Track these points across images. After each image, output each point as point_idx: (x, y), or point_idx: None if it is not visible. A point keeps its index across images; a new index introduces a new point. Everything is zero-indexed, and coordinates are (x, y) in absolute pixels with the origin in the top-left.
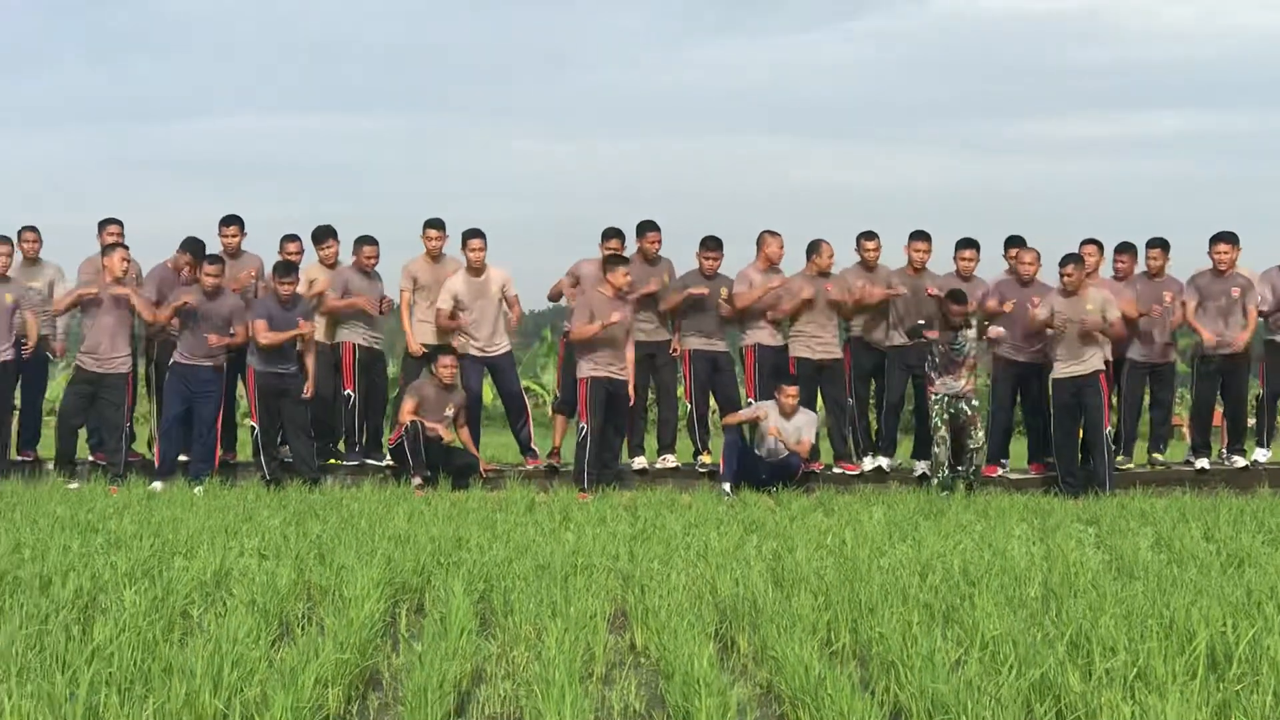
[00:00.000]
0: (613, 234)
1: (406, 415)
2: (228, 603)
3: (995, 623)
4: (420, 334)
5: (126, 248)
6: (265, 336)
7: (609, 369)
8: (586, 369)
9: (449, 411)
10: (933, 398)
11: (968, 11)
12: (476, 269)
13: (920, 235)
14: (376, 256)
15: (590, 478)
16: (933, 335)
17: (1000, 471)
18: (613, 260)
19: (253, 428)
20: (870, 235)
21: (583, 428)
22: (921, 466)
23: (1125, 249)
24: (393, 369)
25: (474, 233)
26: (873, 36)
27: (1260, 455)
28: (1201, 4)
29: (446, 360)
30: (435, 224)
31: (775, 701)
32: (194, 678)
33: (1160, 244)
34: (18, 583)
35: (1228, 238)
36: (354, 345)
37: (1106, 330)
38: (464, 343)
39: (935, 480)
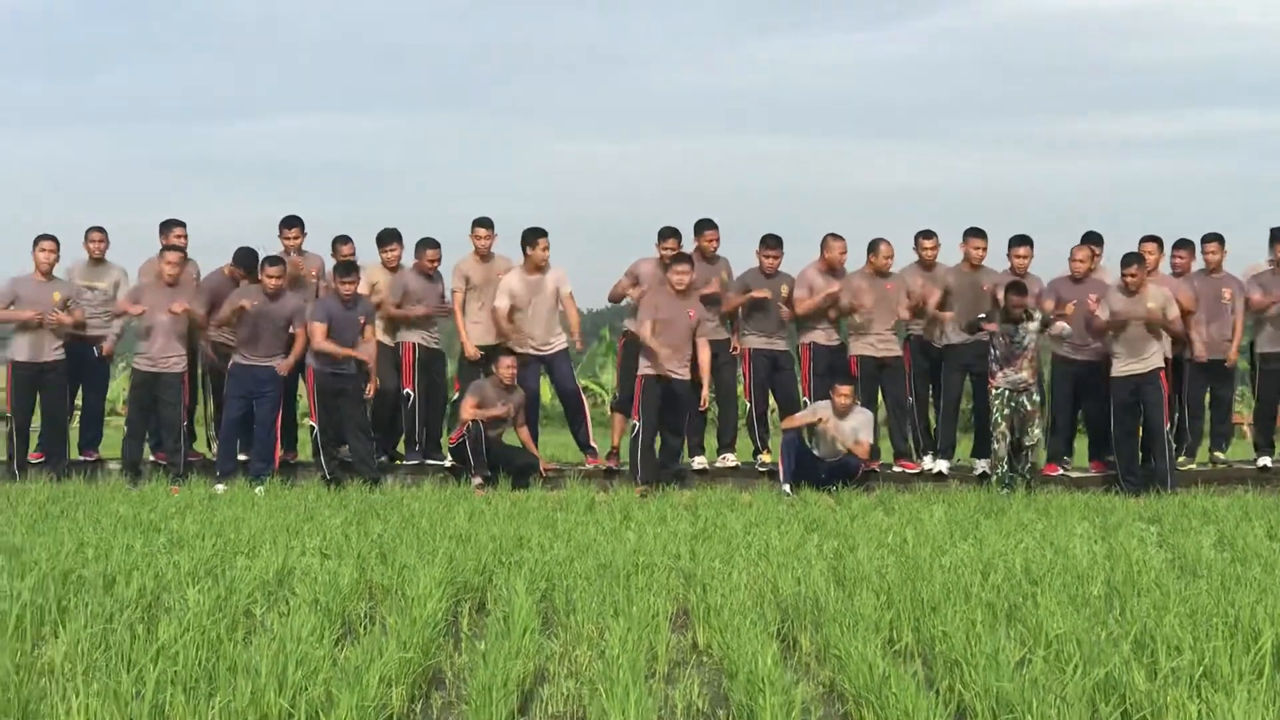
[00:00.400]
0: (669, 234)
1: (468, 415)
2: (290, 602)
3: (1059, 621)
4: (474, 335)
5: (180, 250)
6: (321, 344)
7: (667, 368)
8: (644, 367)
9: (509, 412)
10: (994, 391)
11: (1030, 9)
12: (539, 266)
13: (976, 232)
14: (439, 259)
15: (645, 474)
16: (991, 328)
17: (1061, 470)
18: (676, 259)
19: (312, 427)
20: (929, 234)
21: (635, 425)
22: (981, 465)
23: (1183, 245)
24: (451, 368)
25: (482, 221)
26: (936, 35)
27: None
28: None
29: (506, 361)
30: (484, 223)
31: (838, 700)
32: (259, 676)
33: (1216, 239)
34: (82, 582)
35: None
36: (414, 345)
37: (1167, 326)
38: (520, 342)
39: (995, 476)
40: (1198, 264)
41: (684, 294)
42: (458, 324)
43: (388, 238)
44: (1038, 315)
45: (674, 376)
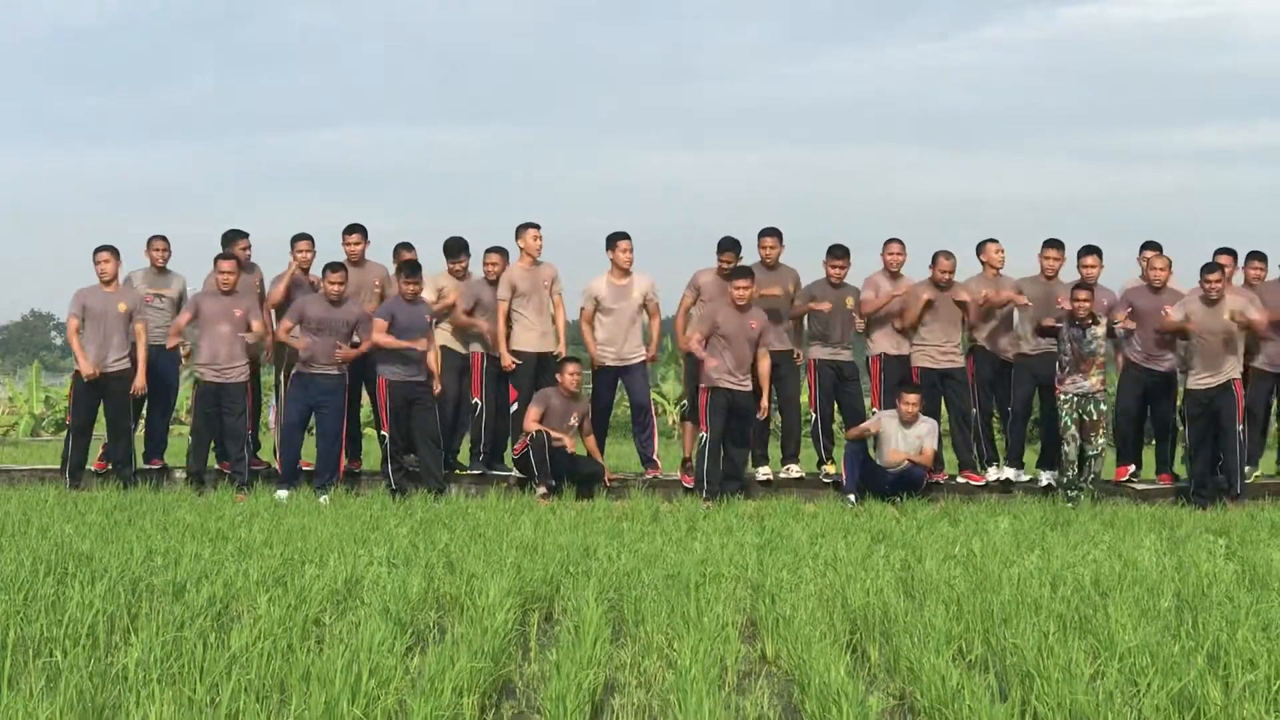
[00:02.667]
0: (728, 245)
1: (531, 425)
2: (360, 611)
3: (1131, 634)
4: (524, 341)
5: (235, 258)
6: (381, 339)
7: (730, 380)
8: (708, 379)
9: (573, 420)
10: (1061, 397)
11: (1096, 20)
12: (623, 269)
13: (1053, 243)
14: (504, 265)
15: (711, 488)
16: (1056, 324)
17: (1132, 471)
18: (736, 272)
19: (383, 437)
20: (992, 240)
21: (703, 437)
22: (1047, 477)
23: (1256, 256)
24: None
25: (532, 224)
26: (999, 46)
27: None
28: None
29: (571, 368)
30: (534, 225)
31: (910, 712)
32: (332, 685)
33: (1256, 255)
34: (152, 589)
35: None
36: (484, 355)
37: (1252, 325)
38: (599, 352)
39: (1064, 480)
40: (1273, 275)
41: (745, 307)
42: (498, 334)
43: (457, 249)
44: (1104, 320)
45: (737, 389)
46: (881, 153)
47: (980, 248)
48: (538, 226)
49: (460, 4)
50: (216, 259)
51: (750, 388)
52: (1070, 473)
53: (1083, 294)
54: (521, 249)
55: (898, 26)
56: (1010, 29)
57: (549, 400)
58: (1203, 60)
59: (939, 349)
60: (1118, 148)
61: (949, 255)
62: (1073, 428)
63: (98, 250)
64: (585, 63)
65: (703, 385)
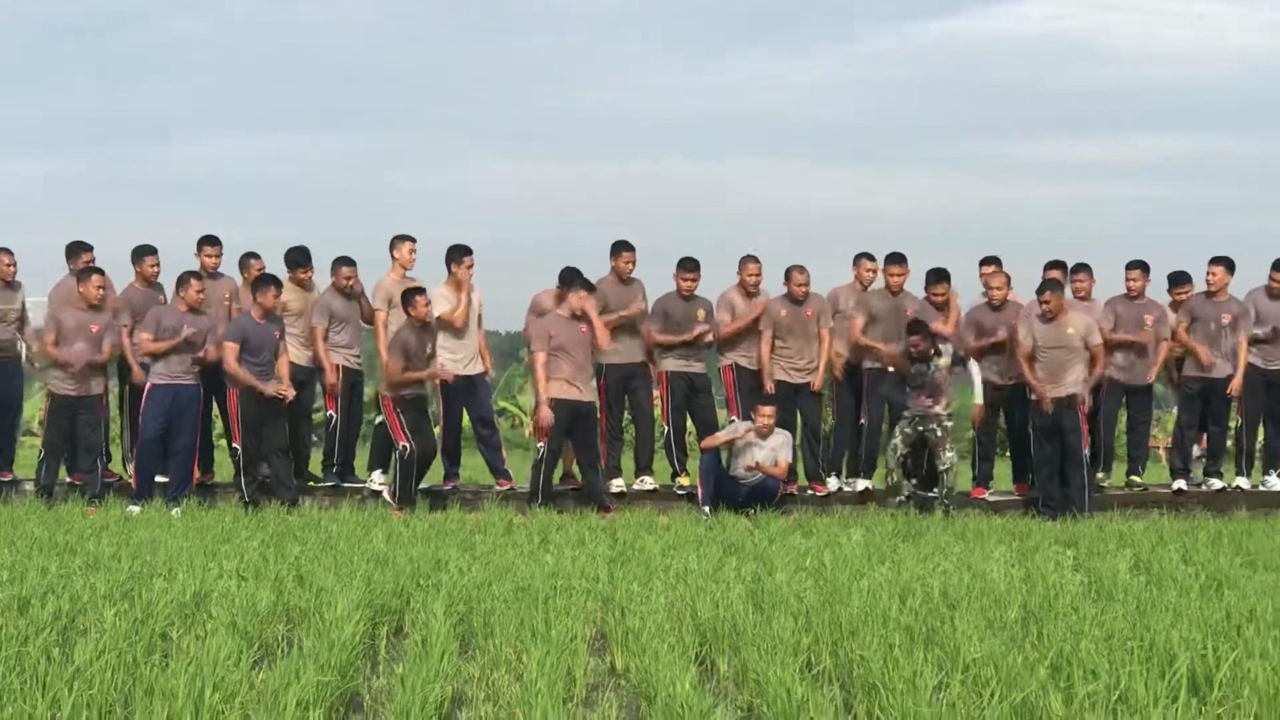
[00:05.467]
0: (569, 278)
1: (396, 374)
2: (208, 625)
3: (976, 645)
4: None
5: (102, 272)
6: (232, 368)
7: (572, 391)
8: (552, 390)
9: (428, 349)
10: (905, 416)
11: (967, 33)
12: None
13: (896, 258)
14: (355, 277)
15: (544, 496)
16: (896, 364)
17: (986, 494)
18: (578, 284)
19: (234, 449)
20: (866, 256)
21: (540, 449)
22: (863, 483)
23: (1081, 269)
24: (369, 390)
25: (468, 250)
26: (873, 59)
27: (1242, 482)
28: (1204, 27)
29: (421, 299)
30: (410, 238)
31: None
32: (175, 700)
33: (1141, 266)
34: None
35: (1221, 261)
36: (337, 366)
37: (1095, 352)
38: (444, 364)
39: (892, 495)
40: (1101, 289)
41: (578, 319)
42: (378, 343)
43: (301, 258)
44: (946, 350)
45: (579, 400)
46: (756, 165)
47: (855, 261)
48: (413, 239)
49: (336, 15)
50: (81, 274)
51: (592, 398)
52: (893, 476)
53: (914, 338)
54: (396, 260)
55: (774, 39)
56: (884, 42)
57: (405, 340)
58: (1073, 73)
59: (792, 364)
60: (992, 160)
61: (802, 270)
62: (899, 437)
63: None
64: (459, 73)
65: (546, 397)
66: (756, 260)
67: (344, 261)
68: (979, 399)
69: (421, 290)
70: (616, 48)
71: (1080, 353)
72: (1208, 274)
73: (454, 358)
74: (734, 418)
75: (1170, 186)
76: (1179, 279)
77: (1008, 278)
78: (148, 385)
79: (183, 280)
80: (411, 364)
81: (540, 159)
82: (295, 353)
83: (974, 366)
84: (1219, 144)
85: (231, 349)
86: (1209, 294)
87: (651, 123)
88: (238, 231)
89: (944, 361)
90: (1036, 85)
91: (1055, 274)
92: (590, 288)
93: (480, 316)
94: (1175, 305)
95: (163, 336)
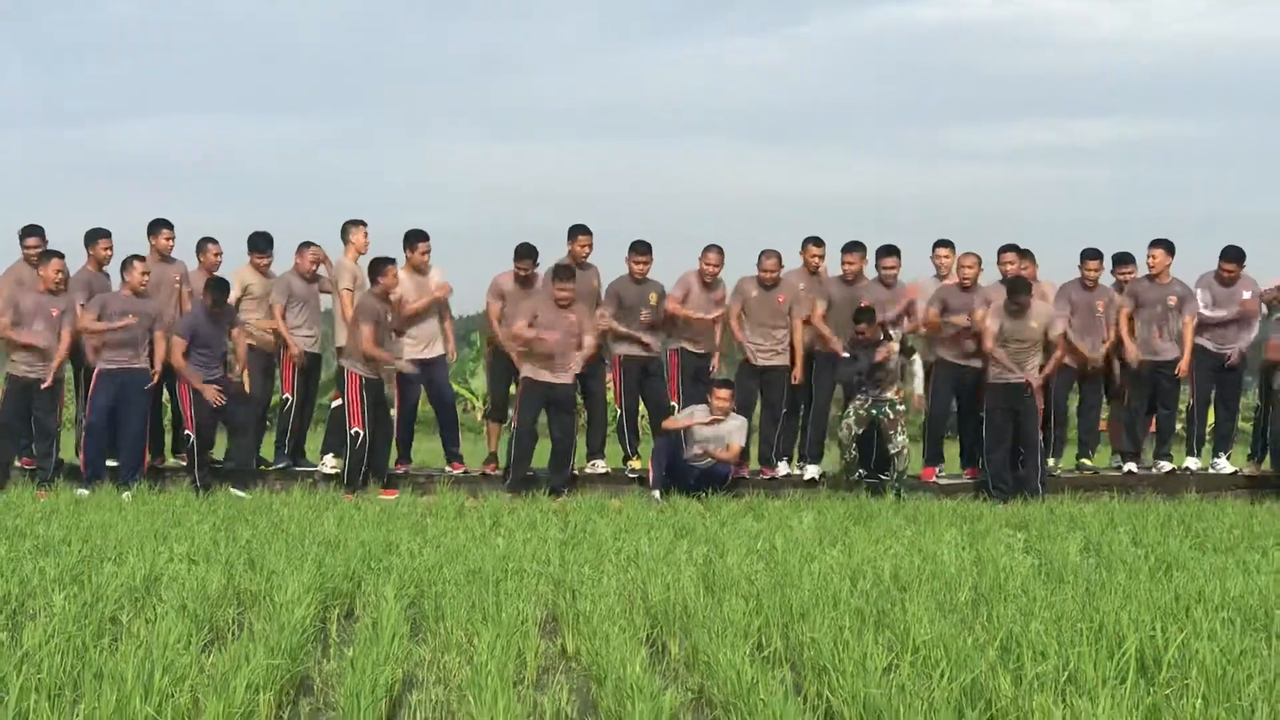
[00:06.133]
0: (525, 254)
1: (368, 340)
2: (158, 608)
3: (926, 628)
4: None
5: (63, 256)
6: (179, 364)
7: (547, 374)
8: (526, 370)
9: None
10: (857, 400)
11: (905, 19)
12: (421, 270)
13: (853, 246)
14: (317, 261)
15: (518, 475)
16: (842, 353)
17: (936, 475)
18: (558, 273)
19: (187, 436)
20: (817, 241)
21: (515, 428)
22: (812, 470)
23: (1009, 250)
24: (325, 374)
25: (424, 235)
26: (814, 43)
27: (1191, 464)
28: (1138, 12)
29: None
30: (361, 222)
31: (707, 706)
32: (125, 684)
33: (1094, 254)
34: None
35: (1161, 244)
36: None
37: (1058, 344)
38: (401, 349)
39: (847, 474)
40: (1071, 276)
41: (565, 305)
42: (341, 319)
43: (263, 243)
44: (896, 335)
45: (554, 383)
46: (697, 147)
47: (803, 247)
48: (365, 224)
49: None
50: (43, 255)
51: (571, 380)
52: (849, 455)
53: (860, 325)
54: (351, 244)
55: (713, 23)
56: (824, 26)
57: (373, 308)
58: (1012, 59)
59: (758, 347)
60: (931, 145)
61: (771, 254)
62: (852, 417)
63: None
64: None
65: (523, 376)
66: (719, 250)
67: (305, 245)
68: (919, 390)
69: (392, 260)
70: (559, 33)
71: (1040, 343)
72: (1149, 257)
73: (412, 342)
74: (675, 403)
75: (1107, 169)
76: (1122, 259)
77: (979, 259)
78: (95, 370)
79: (126, 264)
80: (380, 332)
81: (487, 141)
82: (256, 338)
83: (917, 359)
84: (1155, 128)
85: (179, 344)
86: (1151, 277)
87: (594, 106)
88: (186, 217)
89: (895, 347)
90: (975, 70)
91: (1010, 257)
92: (569, 275)
93: (446, 301)
94: (1119, 286)
95: (107, 320)
